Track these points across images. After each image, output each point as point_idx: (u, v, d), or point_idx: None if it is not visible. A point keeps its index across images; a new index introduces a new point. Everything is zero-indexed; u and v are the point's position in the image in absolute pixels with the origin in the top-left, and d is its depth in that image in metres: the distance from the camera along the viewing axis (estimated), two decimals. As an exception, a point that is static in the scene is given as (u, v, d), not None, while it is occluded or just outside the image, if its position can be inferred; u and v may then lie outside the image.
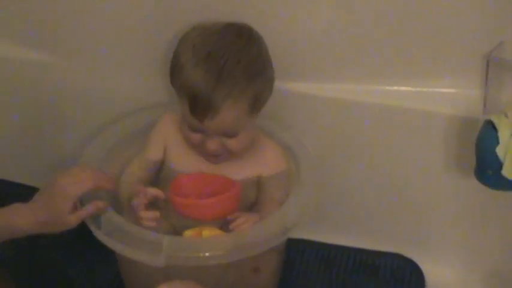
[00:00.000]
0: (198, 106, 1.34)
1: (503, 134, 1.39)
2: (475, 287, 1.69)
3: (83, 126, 1.74)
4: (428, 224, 1.72)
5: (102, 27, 1.68)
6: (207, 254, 1.30)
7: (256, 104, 1.40)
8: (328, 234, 1.78)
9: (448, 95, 1.59)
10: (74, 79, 1.75)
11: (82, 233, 1.36)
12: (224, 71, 1.33)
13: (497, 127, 1.39)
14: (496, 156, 1.39)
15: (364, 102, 1.62)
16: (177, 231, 1.43)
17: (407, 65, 1.59)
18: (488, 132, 1.41)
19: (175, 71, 1.39)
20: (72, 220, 1.32)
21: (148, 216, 1.37)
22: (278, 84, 1.55)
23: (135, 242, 1.32)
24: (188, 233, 1.37)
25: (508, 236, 1.63)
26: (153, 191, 1.39)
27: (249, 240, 1.36)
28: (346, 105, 1.63)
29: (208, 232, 1.37)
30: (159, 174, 1.54)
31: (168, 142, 1.52)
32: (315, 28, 1.58)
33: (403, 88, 1.61)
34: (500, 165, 1.39)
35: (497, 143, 1.39)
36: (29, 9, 1.71)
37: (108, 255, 1.43)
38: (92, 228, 1.35)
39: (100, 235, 1.34)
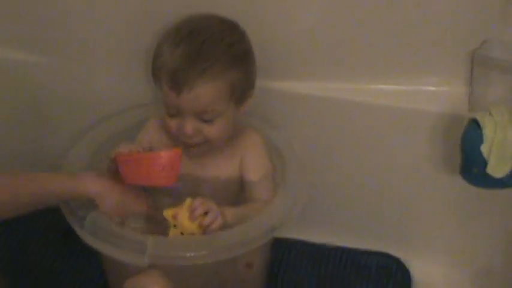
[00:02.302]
0: (175, 78, 1.35)
1: (488, 132, 1.39)
2: (462, 285, 1.69)
3: (70, 127, 1.72)
4: (415, 223, 1.73)
5: (89, 28, 1.67)
6: (192, 254, 1.30)
7: (235, 92, 1.39)
8: (315, 234, 1.78)
9: (433, 93, 1.60)
10: (61, 79, 1.74)
11: (71, 232, 1.36)
12: (204, 47, 1.35)
13: (481, 125, 1.39)
14: (481, 154, 1.39)
15: (351, 101, 1.62)
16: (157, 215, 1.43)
17: (394, 64, 1.60)
18: (473, 131, 1.41)
19: (157, 53, 1.40)
20: None
21: None
22: (266, 82, 1.56)
23: (119, 242, 1.32)
24: (167, 212, 1.34)
25: (494, 234, 1.63)
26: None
27: (235, 239, 1.35)
28: (333, 104, 1.63)
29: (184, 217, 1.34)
30: None
31: (154, 146, 1.51)
32: (303, 27, 1.58)
33: (389, 87, 1.61)
34: (485, 163, 1.40)
35: (482, 141, 1.39)
36: (16, 11, 1.70)
37: (94, 254, 1.43)
38: (76, 228, 1.35)
39: (84, 235, 1.34)
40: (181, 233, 1.33)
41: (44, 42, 1.72)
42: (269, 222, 1.39)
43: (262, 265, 1.60)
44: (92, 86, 1.73)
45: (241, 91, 1.41)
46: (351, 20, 1.56)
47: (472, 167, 1.42)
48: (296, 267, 1.74)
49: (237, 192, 1.51)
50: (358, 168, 1.69)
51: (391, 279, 1.70)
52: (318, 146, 1.67)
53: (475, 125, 1.41)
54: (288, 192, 1.46)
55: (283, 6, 1.57)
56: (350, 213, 1.76)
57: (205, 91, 1.35)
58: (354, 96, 1.61)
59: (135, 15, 1.63)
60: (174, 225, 1.33)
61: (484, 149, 1.39)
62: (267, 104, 1.60)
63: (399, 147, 1.64)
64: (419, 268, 1.72)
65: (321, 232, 1.78)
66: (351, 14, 1.55)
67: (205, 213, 1.32)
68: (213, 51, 1.36)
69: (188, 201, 1.34)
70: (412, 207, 1.71)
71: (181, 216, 1.32)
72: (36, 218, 1.50)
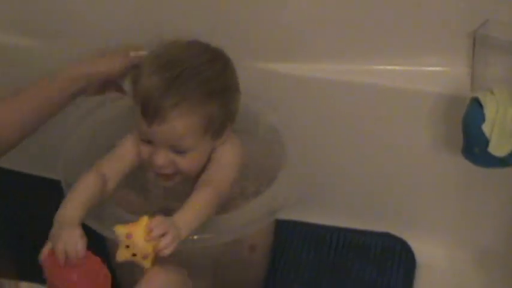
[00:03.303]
0: (148, 109, 1.29)
1: (489, 111, 1.39)
2: (465, 265, 1.70)
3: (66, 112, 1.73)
4: (418, 203, 1.73)
5: (84, 11, 1.67)
6: (194, 237, 1.28)
7: (211, 126, 1.34)
8: (318, 215, 1.78)
9: (435, 73, 1.59)
10: (56, 64, 1.73)
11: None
12: (179, 78, 1.29)
13: (483, 104, 1.39)
14: (483, 133, 1.39)
15: (352, 82, 1.62)
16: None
17: (394, 44, 1.59)
18: (475, 110, 1.41)
19: (134, 80, 1.35)
20: None
21: None
22: (266, 65, 1.55)
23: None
24: (120, 230, 1.21)
25: (496, 213, 1.64)
26: None
27: (237, 222, 1.35)
28: (332, 85, 1.63)
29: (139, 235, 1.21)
30: None
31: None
32: (303, 8, 1.58)
33: (390, 67, 1.61)
34: (486, 142, 1.40)
35: (484, 120, 1.39)
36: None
37: (99, 238, 1.43)
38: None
39: (89, 220, 1.33)
40: (133, 255, 1.20)
41: (41, 26, 1.71)
42: (271, 203, 1.39)
43: (266, 248, 1.61)
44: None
45: (219, 125, 1.36)
46: (352, 1, 1.55)
47: (474, 146, 1.42)
48: (298, 248, 1.74)
49: None
50: (360, 150, 1.69)
51: (395, 260, 1.71)
52: (318, 128, 1.67)
53: (476, 104, 1.41)
54: (289, 174, 1.45)
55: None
56: (352, 195, 1.76)
57: (177, 125, 1.30)
58: (354, 77, 1.61)
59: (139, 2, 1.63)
60: (127, 246, 1.20)
61: (485, 128, 1.39)
62: (266, 86, 1.60)
63: (401, 128, 1.64)
64: (422, 249, 1.73)
65: (323, 214, 1.78)
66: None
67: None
68: (189, 85, 1.30)
69: (145, 219, 1.21)
70: (414, 188, 1.71)
71: (137, 236, 1.19)
72: (40, 204, 1.48)
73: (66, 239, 1.20)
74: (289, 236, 1.76)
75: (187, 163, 1.35)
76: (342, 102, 1.64)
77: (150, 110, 1.29)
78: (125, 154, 1.40)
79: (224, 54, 1.39)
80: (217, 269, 1.50)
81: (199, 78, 1.31)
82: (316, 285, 1.67)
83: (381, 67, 1.61)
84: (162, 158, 1.34)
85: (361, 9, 1.55)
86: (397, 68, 1.60)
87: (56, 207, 1.27)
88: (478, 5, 1.50)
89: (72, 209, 1.26)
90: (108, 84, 1.47)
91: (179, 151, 1.34)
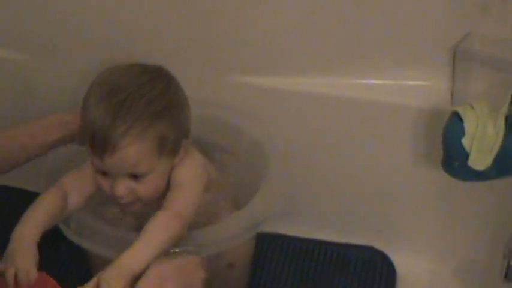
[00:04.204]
0: (96, 143, 1.27)
1: (469, 125, 1.39)
2: (446, 278, 1.70)
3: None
4: (399, 216, 1.73)
5: (73, 24, 1.67)
6: (176, 250, 1.28)
7: (164, 145, 1.31)
8: (299, 228, 1.78)
9: (416, 87, 1.60)
10: (45, 77, 1.74)
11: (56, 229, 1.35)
12: (123, 107, 1.27)
13: (463, 118, 1.40)
14: (463, 147, 1.40)
15: (334, 96, 1.62)
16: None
17: (376, 58, 1.60)
18: (455, 124, 1.41)
19: (81, 113, 1.32)
20: None
21: None
22: (247, 78, 1.55)
23: (104, 240, 1.32)
24: None
25: (477, 227, 1.64)
26: None
27: (219, 235, 1.36)
28: (315, 98, 1.63)
29: None
30: None
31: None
32: (282, 22, 1.58)
33: (371, 81, 1.62)
34: (466, 156, 1.40)
35: (464, 134, 1.40)
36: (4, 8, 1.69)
37: (81, 251, 1.42)
38: (62, 226, 1.35)
39: (70, 233, 1.34)
40: None
41: (30, 40, 1.71)
42: (254, 216, 1.40)
43: (245, 265, 1.60)
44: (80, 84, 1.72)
45: (172, 143, 1.34)
46: (333, 15, 1.55)
47: (454, 159, 1.43)
48: (279, 262, 1.74)
49: None
50: (341, 163, 1.69)
51: (376, 273, 1.71)
52: (300, 141, 1.67)
53: (456, 118, 1.41)
54: (271, 188, 1.46)
55: (264, 3, 1.56)
56: (333, 208, 1.76)
57: (129, 152, 1.27)
58: (336, 91, 1.61)
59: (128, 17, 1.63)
60: None
61: (465, 141, 1.39)
62: (248, 99, 1.60)
63: (382, 142, 1.64)
64: (403, 262, 1.73)
65: (305, 227, 1.78)
66: (334, 9, 1.54)
67: None
68: (133, 111, 1.27)
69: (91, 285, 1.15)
70: (395, 201, 1.71)
71: None
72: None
73: (19, 263, 1.19)
74: (270, 249, 1.76)
75: (146, 189, 1.33)
76: (323, 115, 1.65)
77: (100, 143, 1.27)
78: (90, 172, 1.37)
79: (165, 72, 1.37)
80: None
81: (143, 100, 1.28)
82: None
83: (362, 81, 1.61)
84: (121, 189, 1.31)
85: (343, 24, 1.56)
86: (378, 82, 1.61)
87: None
88: (459, 19, 1.51)
89: (29, 227, 1.25)
90: None
91: (137, 177, 1.31)
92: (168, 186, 1.37)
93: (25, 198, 1.32)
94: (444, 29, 1.53)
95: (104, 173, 1.32)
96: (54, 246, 1.25)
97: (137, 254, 1.19)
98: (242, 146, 1.60)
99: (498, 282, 1.45)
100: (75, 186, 1.37)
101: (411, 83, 1.60)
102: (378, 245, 1.76)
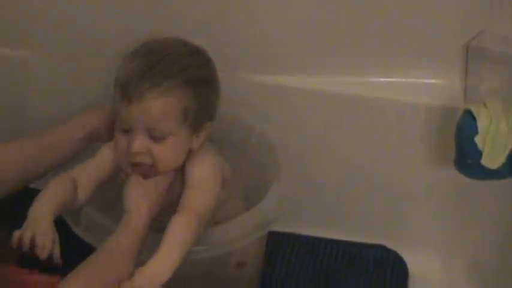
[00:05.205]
0: (127, 88, 1.29)
1: (482, 124, 1.39)
2: (458, 277, 1.69)
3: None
4: (411, 215, 1.72)
5: (79, 22, 1.66)
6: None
7: (188, 114, 1.32)
8: (311, 227, 1.77)
9: (428, 85, 1.60)
10: (51, 75, 1.73)
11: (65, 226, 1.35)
12: (159, 64, 1.30)
13: (476, 116, 1.39)
14: (476, 145, 1.39)
15: (344, 94, 1.62)
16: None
17: (387, 56, 1.59)
18: (468, 122, 1.41)
19: (117, 69, 1.34)
20: None
21: None
22: (259, 76, 1.54)
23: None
24: None
25: (489, 225, 1.63)
26: None
27: (230, 234, 1.35)
28: (325, 97, 1.63)
29: None
30: None
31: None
32: (293, 19, 1.58)
33: (383, 79, 1.61)
34: (479, 154, 1.39)
35: (477, 132, 1.39)
36: (4, 6, 1.68)
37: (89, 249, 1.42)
38: (71, 224, 1.34)
39: (78, 230, 1.33)
40: None
41: (35, 38, 1.70)
42: (265, 215, 1.39)
43: (255, 264, 1.59)
44: (85, 82, 1.72)
45: (197, 116, 1.35)
46: (343, 12, 1.55)
47: (467, 158, 1.42)
48: (291, 260, 1.73)
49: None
50: (352, 161, 1.69)
51: (388, 272, 1.70)
52: (310, 140, 1.67)
53: (469, 117, 1.41)
54: (282, 186, 1.45)
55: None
56: (345, 206, 1.75)
57: (155, 104, 1.29)
58: (348, 89, 1.61)
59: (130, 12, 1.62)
60: None
61: (478, 140, 1.39)
62: (259, 97, 1.60)
63: (393, 140, 1.64)
64: (415, 261, 1.72)
65: (316, 225, 1.77)
66: (344, 6, 1.54)
67: None
68: (167, 69, 1.30)
69: None
70: (407, 200, 1.71)
71: None
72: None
73: (36, 229, 1.20)
74: (281, 248, 1.75)
75: (163, 153, 1.32)
76: (335, 114, 1.64)
77: (129, 90, 1.29)
78: (102, 160, 1.39)
79: (207, 53, 1.40)
80: (205, 283, 1.49)
81: (180, 64, 1.33)
82: (309, 299, 1.67)
83: (374, 79, 1.61)
84: (138, 144, 1.31)
85: (353, 22, 1.56)
86: (389, 79, 1.60)
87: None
88: (472, 16, 1.51)
89: (45, 208, 1.25)
90: None
91: (157, 137, 1.31)
92: (183, 182, 1.37)
93: (26, 194, 1.32)
94: (457, 26, 1.53)
95: (125, 131, 1.33)
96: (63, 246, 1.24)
97: (164, 261, 1.19)
98: (251, 144, 1.59)
99: (510, 281, 1.45)
100: (85, 175, 1.37)
101: (423, 80, 1.59)
102: (390, 244, 1.75)
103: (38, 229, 1.20)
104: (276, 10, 1.57)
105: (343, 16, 1.55)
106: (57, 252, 1.20)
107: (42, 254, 1.18)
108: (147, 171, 1.34)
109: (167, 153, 1.33)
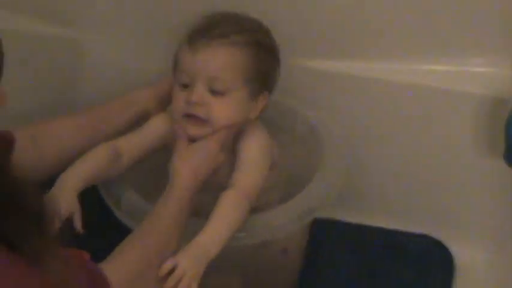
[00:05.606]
0: (194, 36, 1.33)
1: (533, 117, 1.37)
2: (505, 269, 1.67)
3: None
4: (458, 206, 1.71)
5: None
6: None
7: (250, 75, 1.34)
8: (356, 215, 1.76)
9: (479, 74, 1.57)
10: (94, 54, 1.74)
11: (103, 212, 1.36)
12: (229, 20, 1.37)
13: (527, 109, 1.37)
14: (526, 139, 1.37)
15: (394, 82, 1.60)
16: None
17: (439, 44, 1.57)
18: (518, 114, 1.39)
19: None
20: None
21: None
22: (305, 62, 1.54)
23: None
24: None
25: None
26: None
27: (273, 221, 1.34)
28: (375, 84, 1.61)
29: None
30: None
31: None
32: (343, 4, 1.56)
33: (434, 67, 1.59)
34: (529, 149, 1.37)
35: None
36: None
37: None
38: (113, 208, 1.35)
39: (121, 215, 1.34)
40: None
41: (77, 16, 1.71)
42: (309, 203, 1.38)
43: (298, 250, 1.60)
44: (128, 61, 1.73)
45: (258, 80, 1.36)
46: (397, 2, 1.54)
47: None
48: (334, 248, 1.72)
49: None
50: (399, 150, 1.68)
51: (433, 262, 1.69)
52: (357, 127, 1.66)
53: (520, 110, 1.39)
54: (327, 174, 1.44)
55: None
56: (390, 195, 1.75)
57: (221, 52, 1.32)
58: (398, 76, 1.59)
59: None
60: None
61: (529, 134, 1.37)
62: (306, 84, 1.59)
63: (442, 129, 1.62)
64: (461, 251, 1.70)
65: (361, 213, 1.76)
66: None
67: None
68: (236, 25, 1.36)
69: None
70: (456, 190, 1.69)
71: None
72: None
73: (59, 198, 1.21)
74: (325, 235, 1.74)
75: (220, 108, 1.32)
76: (383, 101, 1.63)
77: (197, 39, 1.33)
78: (150, 129, 1.41)
79: (263, 23, 1.43)
80: (248, 269, 1.49)
81: (249, 26, 1.38)
82: (352, 287, 1.65)
83: (425, 67, 1.59)
84: (198, 94, 1.31)
85: (406, 8, 1.53)
86: (440, 67, 1.58)
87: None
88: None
89: (73, 176, 1.26)
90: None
91: (217, 91, 1.32)
92: (235, 155, 1.37)
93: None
94: (510, 14, 1.50)
95: (185, 86, 1.34)
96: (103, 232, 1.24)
97: (213, 234, 1.20)
98: (298, 130, 1.59)
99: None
100: (131, 143, 1.38)
101: (474, 69, 1.57)
102: (436, 234, 1.73)
103: (60, 198, 1.21)
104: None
105: (397, 3, 1.54)
106: (78, 222, 1.21)
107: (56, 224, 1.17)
108: (199, 125, 1.33)
109: (224, 110, 1.33)
